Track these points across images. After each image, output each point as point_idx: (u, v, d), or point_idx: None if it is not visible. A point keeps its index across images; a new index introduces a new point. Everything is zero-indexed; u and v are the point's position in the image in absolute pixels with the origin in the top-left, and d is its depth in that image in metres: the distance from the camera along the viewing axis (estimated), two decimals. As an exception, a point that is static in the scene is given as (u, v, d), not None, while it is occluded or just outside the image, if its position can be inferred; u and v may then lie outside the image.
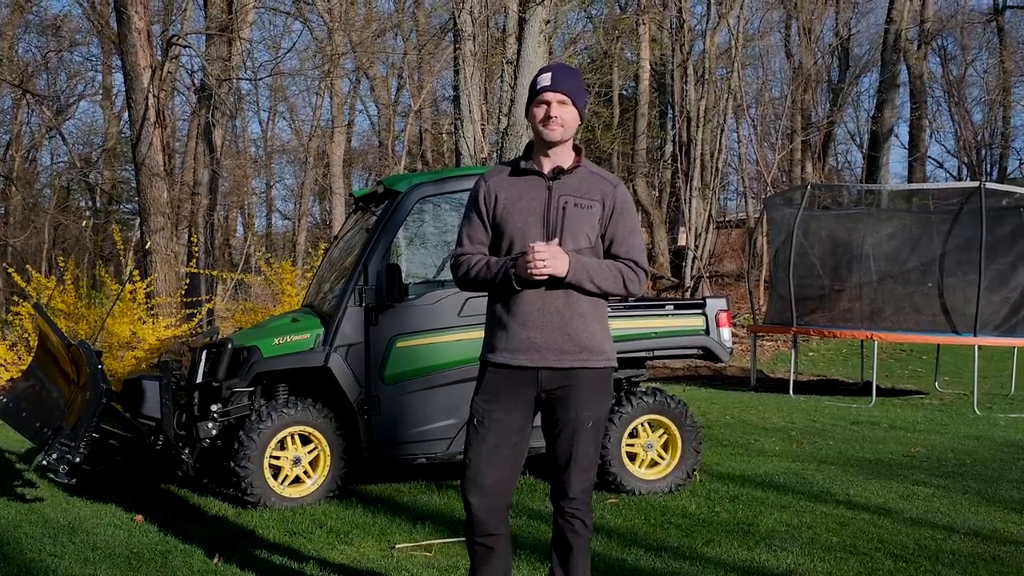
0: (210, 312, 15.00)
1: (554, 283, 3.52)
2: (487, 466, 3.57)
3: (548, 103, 3.60)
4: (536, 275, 3.46)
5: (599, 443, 3.71)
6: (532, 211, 3.60)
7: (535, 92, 3.64)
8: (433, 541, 5.35)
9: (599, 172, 3.74)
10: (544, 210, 3.60)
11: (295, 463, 6.30)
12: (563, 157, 3.67)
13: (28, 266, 14.34)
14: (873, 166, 27.64)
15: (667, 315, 7.21)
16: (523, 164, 3.68)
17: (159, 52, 15.88)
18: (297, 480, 6.34)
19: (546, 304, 3.55)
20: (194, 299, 13.91)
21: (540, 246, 3.47)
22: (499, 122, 16.52)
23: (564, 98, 3.60)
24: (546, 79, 3.62)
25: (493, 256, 3.65)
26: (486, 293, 3.73)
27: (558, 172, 3.63)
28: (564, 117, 3.60)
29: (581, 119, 3.68)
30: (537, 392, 3.61)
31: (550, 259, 3.45)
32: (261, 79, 22.21)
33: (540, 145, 3.67)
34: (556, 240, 3.55)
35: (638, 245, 3.70)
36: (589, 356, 3.60)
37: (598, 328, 3.64)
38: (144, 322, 12.50)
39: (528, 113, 3.69)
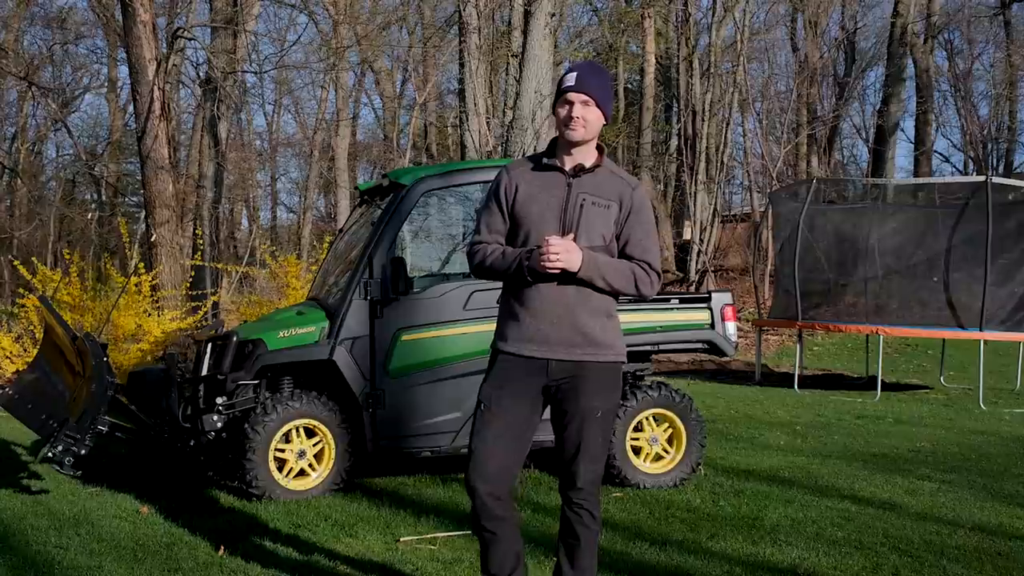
0: (215, 305, 15.01)
1: (566, 277, 3.56)
2: (491, 453, 3.60)
3: (571, 103, 3.62)
4: (549, 268, 3.50)
5: (608, 435, 3.74)
6: (550, 206, 3.64)
7: (560, 91, 3.67)
8: (437, 534, 5.35)
9: (619, 173, 3.77)
10: (562, 206, 3.64)
11: (300, 456, 6.31)
12: (586, 156, 3.70)
13: (34, 258, 14.36)
14: (879, 160, 27.57)
15: (672, 309, 7.19)
16: (545, 160, 3.73)
17: (164, 45, 15.89)
18: (302, 473, 6.34)
19: (557, 298, 3.59)
20: (199, 292, 13.92)
21: (555, 240, 3.51)
22: (504, 115, 16.50)
23: (587, 99, 3.62)
24: (571, 79, 3.65)
25: (509, 246, 3.69)
26: (496, 283, 3.78)
27: (579, 170, 3.67)
28: (587, 118, 3.63)
29: (606, 120, 3.71)
30: (546, 383, 3.64)
31: (564, 253, 3.50)
32: (266, 72, 22.18)
33: (563, 143, 3.70)
34: (571, 235, 3.58)
35: (653, 248, 3.73)
36: (598, 351, 3.64)
37: (608, 323, 3.68)
38: (149, 315, 12.51)
39: (553, 111, 3.72)
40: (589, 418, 3.63)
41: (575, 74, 3.65)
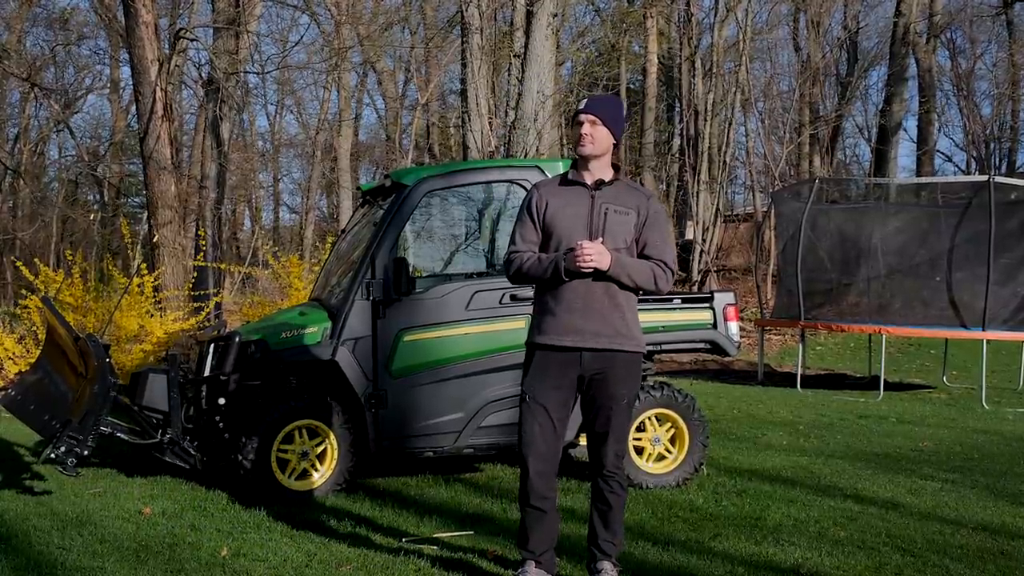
0: (217, 305, 15.01)
1: (596, 276, 4.13)
2: (540, 435, 4.19)
3: (581, 123, 4.24)
4: (583, 267, 4.07)
5: (631, 418, 4.39)
6: (578, 215, 4.22)
7: (573, 115, 4.29)
8: (441, 534, 5.35)
9: (635, 186, 4.41)
10: (588, 215, 4.21)
11: (302, 457, 6.31)
12: (603, 171, 4.30)
13: (36, 259, 14.39)
14: (881, 160, 27.54)
15: (675, 309, 7.19)
16: (570, 176, 4.32)
17: (166, 46, 15.90)
18: (304, 473, 6.35)
19: (589, 294, 4.16)
20: (201, 292, 13.92)
21: (587, 243, 4.08)
22: (506, 116, 16.49)
23: (595, 119, 4.23)
24: (582, 104, 4.29)
25: (543, 253, 4.24)
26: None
27: (600, 183, 4.25)
28: (595, 135, 4.23)
29: (615, 138, 4.28)
30: (580, 373, 4.21)
31: (596, 255, 4.06)
32: (268, 73, 22.22)
33: (581, 160, 4.31)
34: (600, 239, 4.13)
35: (668, 250, 4.28)
36: (624, 341, 4.22)
37: (631, 317, 4.27)
38: (152, 315, 12.52)
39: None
40: (616, 405, 4.23)
41: (587, 100, 4.28)
